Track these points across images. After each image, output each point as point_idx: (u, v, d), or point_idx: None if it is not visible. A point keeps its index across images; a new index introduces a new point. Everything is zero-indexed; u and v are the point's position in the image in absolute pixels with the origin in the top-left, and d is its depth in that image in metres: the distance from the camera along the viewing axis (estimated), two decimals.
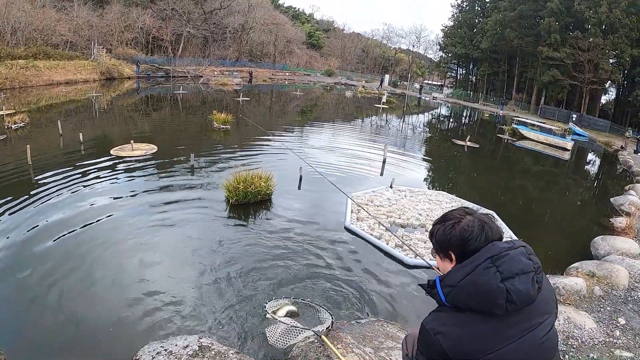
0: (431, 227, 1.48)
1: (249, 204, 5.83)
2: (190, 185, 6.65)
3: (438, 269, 1.55)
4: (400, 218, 5.81)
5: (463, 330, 1.28)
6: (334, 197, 6.37)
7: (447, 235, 1.36)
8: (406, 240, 5.14)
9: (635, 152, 18.84)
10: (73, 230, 4.72)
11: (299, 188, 6.82)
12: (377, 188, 6.88)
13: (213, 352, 2.73)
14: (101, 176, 6.73)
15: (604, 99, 35.50)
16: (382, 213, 5.85)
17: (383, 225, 5.15)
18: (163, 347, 2.75)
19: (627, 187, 10.62)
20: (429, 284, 1.41)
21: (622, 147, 19.85)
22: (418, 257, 4.74)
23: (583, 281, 4.45)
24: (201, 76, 30.56)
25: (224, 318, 3.45)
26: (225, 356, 2.72)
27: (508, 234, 6.05)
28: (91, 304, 3.52)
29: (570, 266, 5.24)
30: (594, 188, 12.30)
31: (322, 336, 2.80)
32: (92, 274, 3.95)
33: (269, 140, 10.92)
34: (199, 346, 2.77)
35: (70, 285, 3.74)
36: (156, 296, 3.66)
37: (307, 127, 15.13)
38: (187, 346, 2.75)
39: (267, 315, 3.22)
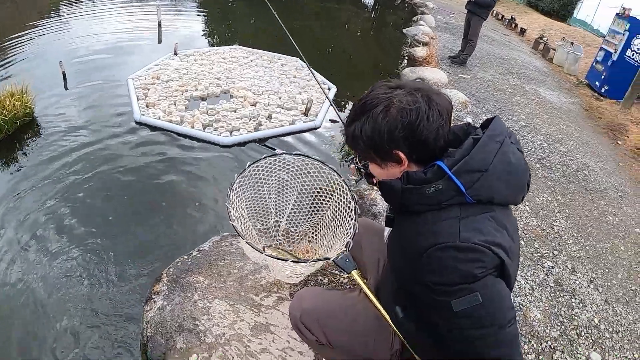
0: (344, 128, 1.10)
1: (9, 139, 3.79)
2: None
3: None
4: (197, 90, 4.81)
5: (498, 230, 0.98)
6: (113, 84, 4.94)
7: (382, 129, 0.99)
8: (213, 115, 4.28)
9: None
10: None
11: (66, 88, 4.95)
12: (159, 59, 5.52)
13: None
14: None
15: None
16: (175, 89, 4.74)
17: (177, 105, 4.13)
18: None
19: (415, 18, 11.20)
20: (410, 178, 0.99)
21: None
22: (234, 132, 4.01)
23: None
24: None
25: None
26: None
27: (320, 79, 5.66)
28: None
29: None
30: (380, 20, 12.73)
31: (353, 272, 1.50)
32: None
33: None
34: None
35: None
36: None
37: (57, 17, 11.36)
38: None
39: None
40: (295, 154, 1.84)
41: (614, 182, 4.31)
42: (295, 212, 2.09)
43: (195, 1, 11.18)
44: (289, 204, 2.05)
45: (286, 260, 1.50)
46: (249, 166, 1.76)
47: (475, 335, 0.96)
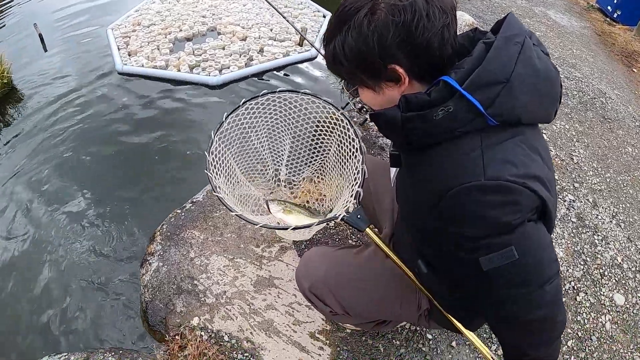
0: (323, 44, 0.84)
1: None
2: None
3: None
4: (181, 30, 4.38)
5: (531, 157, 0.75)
6: (93, 38, 4.56)
7: (370, 37, 0.72)
8: (200, 54, 3.90)
9: None
10: None
11: (46, 50, 4.60)
12: (139, 4, 5.04)
13: None
14: None
15: None
16: (158, 33, 4.34)
17: (161, 49, 3.75)
18: None
19: None
20: (410, 103, 0.76)
21: None
22: (224, 70, 3.66)
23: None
24: None
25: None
26: None
27: (315, 7, 5.13)
28: None
29: None
30: None
31: (367, 230, 1.21)
32: None
33: None
34: None
35: None
36: None
37: None
38: None
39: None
40: (280, 91, 1.48)
41: (631, 112, 3.92)
42: (293, 158, 1.75)
43: None
44: (284, 149, 1.72)
45: (286, 229, 1.20)
46: (226, 118, 1.42)
47: (510, 295, 0.80)
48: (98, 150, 3.02)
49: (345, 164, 1.42)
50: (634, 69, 5.21)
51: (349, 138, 1.37)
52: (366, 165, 1.26)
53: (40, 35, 4.64)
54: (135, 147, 3.04)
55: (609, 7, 7.01)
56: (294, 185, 1.83)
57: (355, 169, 1.30)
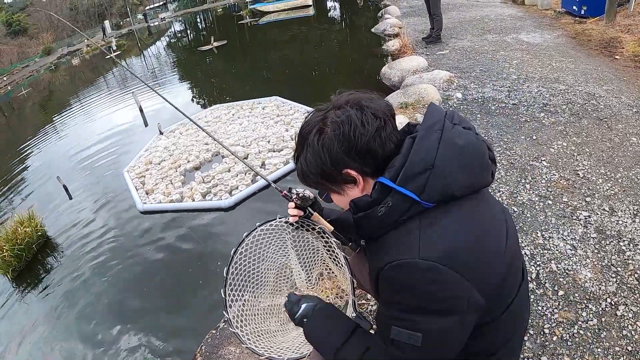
0: (294, 164, 1.01)
1: (30, 266, 4.04)
2: None
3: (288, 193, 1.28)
4: (189, 162, 4.85)
5: (467, 229, 0.84)
6: (112, 183, 5.09)
7: (322, 151, 0.89)
8: (209, 181, 4.29)
9: None
10: None
11: (70, 198, 5.12)
12: (148, 144, 5.63)
13: None
14: None
15: None
16: (169, 168, 4.79)
17: (174, 183, 4.16)
18: None
19: (379, 14, 11.19)
20: (358, 206, 0.90)
21: None
22: (234, 190, 4.00)
23: (404, 117, 4.31)
24: None
25: None
26: None
27: (304, 110, 5.65)
28: None
29: None
30: (351, 28, 12.82)
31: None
32: None
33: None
34: None
35: None
36: None
37: (51, 125, 11.91)
38: None
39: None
40: (260, 225, 1.63)
41: (625, 100, 4.02)
42: (303, 263, 1.93)
43: (175, 76, 11.57)
44: (292, 263, 1.90)
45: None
46: (230, 266, 1.58)
47: None
48: (132, 286, 3.32)
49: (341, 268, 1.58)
50: (616, 56, 5.28)
51: (334, 253, 1.54)
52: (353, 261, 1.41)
53: (65, 187, 5.16)
54: (167, 277, 3.33)
55: (574, 7, 7.38)
56: (312, 287, 1.99)
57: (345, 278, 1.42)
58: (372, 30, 9.75)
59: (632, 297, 2.05)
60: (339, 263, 1.53)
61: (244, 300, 1.53)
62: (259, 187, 4.05)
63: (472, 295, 0.82)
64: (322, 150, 0.89)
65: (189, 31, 25.56)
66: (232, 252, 1.48)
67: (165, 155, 5.13)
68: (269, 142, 4.89)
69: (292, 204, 1.27)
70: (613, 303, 2.03)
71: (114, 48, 21.92)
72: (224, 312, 1.37)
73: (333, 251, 1.52)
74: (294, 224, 1.42)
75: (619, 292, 2.09)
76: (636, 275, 2.16)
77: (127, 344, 2.79)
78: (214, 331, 2.35)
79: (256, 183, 4.09)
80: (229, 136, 5.25)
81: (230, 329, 1.34)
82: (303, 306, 1.10)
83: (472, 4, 10.19)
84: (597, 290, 2.11)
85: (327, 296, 1.94)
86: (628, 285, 2.12)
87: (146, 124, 7.15)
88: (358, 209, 0.90)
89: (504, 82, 4.90)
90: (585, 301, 2.08)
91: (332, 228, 1.32)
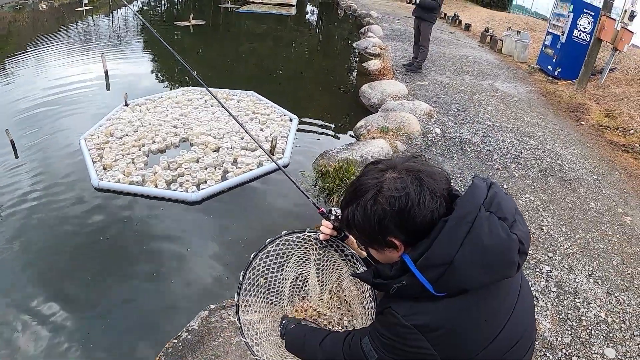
0: (341, 208, 1.06)
1: None
2: None
3: (326, 212, 1.30)
4: (154, 142, 4.58)
5: (460, 319, 0.89)
6: (65, 148, 4.59)
7: (372, 217, 0.91)
8: (175, 169, 4.06)
9: None
10: None
11: (17, 157, 4.56)
12: (111, 113, 5.22)
13: None
14: None
15: None
16: (132, 145, 4.48)
17: (136, 163, 3.89)
18: None
19: (362, 31, 11.24)
20: (379, 273, 0.99)
21: None
22: (202, 184, 3.82)
23: (384, 142, 4.33)
24: None
25: None
26: None
27: (280, 111, 5.53)
28: None
29: (358, 125, 5.15)
30: (327, 36, 12.82)
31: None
32: None
33: None
34: None
35: None
36: None
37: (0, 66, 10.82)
38: None
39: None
40: (279, 238, 1.56)
41: (587, 166, 4.37)
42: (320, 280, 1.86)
43: (142, 45, 10.92)
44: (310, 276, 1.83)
45: None
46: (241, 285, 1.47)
47: None
48: (75, 271, 2.94)
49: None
50: (582, 122, 5.74)
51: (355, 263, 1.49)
52: None
53: (12, 142, 4.63)
54: (118, 269, 2.99)
55: (549, 67, 7.89)
56: (323, 302, 1.92)
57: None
58: (354, 45, 9.84)
59: (584, 350, 2.29)
60: (360, 288, 1.50)
61: (258, 308, 1.49)
62: (230, 185, 3.89)
63: None
64: (373, 218, 0.92)
65: (163, 1, 24.39)
66: (251, 257, 1.43)
67: (129, 130, 4.80)
68: (242, 138, 4.74)
69: (329, 224, 1.29)
70: (567, 354, 2.26)
71: (86, 1, 20.31)
72: (236, 320, 1.32)
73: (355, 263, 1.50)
74: (323, 242, 1.43)
75: (573, 344, 2.33)
76: (588, 331, 2.41)
77: (66, 334, 2.45)
78: (175, 340, 2.19)
79: (227, 180, 3.92)
80: (200, 123, 5.03)
81: (241, 338, 1.29)
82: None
83: (452, 41, 10.59)
84: (555, 341, 2.33)
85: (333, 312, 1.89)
86: (581, 338, 2.36)
87: (108, 88, 6.68)
88: (378, 275, 0.99)
89: (480, 126, 5.10)
90: (544, 349, 2.29)
91: (364, 254, 1.34)
